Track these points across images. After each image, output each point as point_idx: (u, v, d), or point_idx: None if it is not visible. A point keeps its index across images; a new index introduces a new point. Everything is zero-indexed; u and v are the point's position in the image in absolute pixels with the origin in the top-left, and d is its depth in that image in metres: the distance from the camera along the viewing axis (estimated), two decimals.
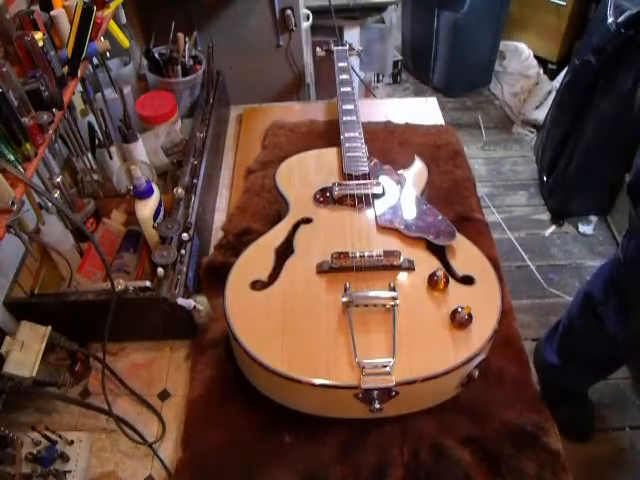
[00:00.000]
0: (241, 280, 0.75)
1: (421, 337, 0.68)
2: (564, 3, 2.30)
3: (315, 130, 1.19)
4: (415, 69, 2.76)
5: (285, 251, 0.80)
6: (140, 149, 0.97)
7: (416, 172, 0.94)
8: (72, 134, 0.83)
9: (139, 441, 0.73)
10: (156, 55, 1.18)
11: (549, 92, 2.40)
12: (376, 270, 0.75)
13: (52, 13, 0.74)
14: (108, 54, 0.86)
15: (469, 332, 0.68)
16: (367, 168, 0.91)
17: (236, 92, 1.29)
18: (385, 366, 0.64)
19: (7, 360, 0.68)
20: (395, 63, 2.52)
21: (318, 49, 1.29)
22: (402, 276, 0.75)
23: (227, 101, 1.28)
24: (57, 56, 0.70)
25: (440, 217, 0.83)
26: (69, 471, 0.69)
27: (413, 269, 0.75)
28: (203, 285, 0.88)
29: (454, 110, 2.60)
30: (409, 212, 0.84)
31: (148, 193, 0.82)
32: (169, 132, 1.04)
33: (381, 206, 0.85)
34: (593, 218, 2.03)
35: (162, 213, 0.86)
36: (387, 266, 0.75)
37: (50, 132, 0.67)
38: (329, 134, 1.15)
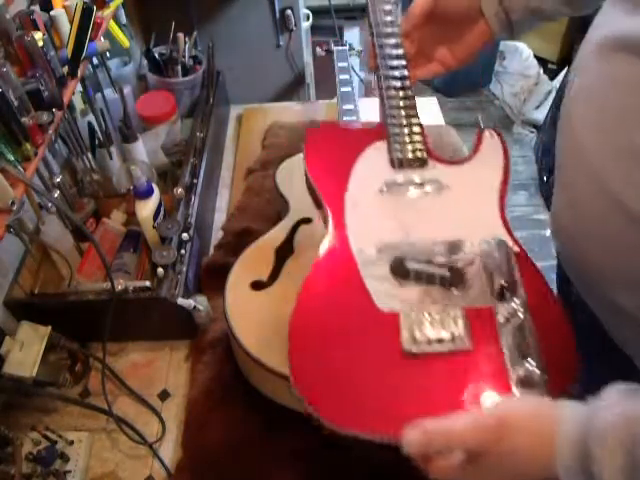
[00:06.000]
0: (241, 280, 0.75)
1: None
2: None
3: None
4: None
5: (285, 251, 0.79)
6: (140, 149, 0.97)
7: None
8: (72, 134, 0.83)
9: (139, 441, 0.73)
10: (156, 55, 1.18)
11: (549, 92, 2.40)
12: None
13: (52, 13, 0.74)
14: (108, 54, 0.86)
15: None
16: None
17: (236, 92, 1.29)
18: None
19: (7, 360, 0.68)
20: None
21: (318, 49, 1.29)
22: None
23: (227, 101, 1.28)
24: (57, 56, 0.70)
25: None
26: (69, 471, 0.69)
27: None
28: (203, 285, 0.88)
29: (454, 110, 2.60)
30: None
31: (148, 193, 0.82)
32: (169, 132, 1.04)
33: None
34: None
35: (162, 213, 0.86)
36: None
37: (50, 132, 0.67)
38: None
